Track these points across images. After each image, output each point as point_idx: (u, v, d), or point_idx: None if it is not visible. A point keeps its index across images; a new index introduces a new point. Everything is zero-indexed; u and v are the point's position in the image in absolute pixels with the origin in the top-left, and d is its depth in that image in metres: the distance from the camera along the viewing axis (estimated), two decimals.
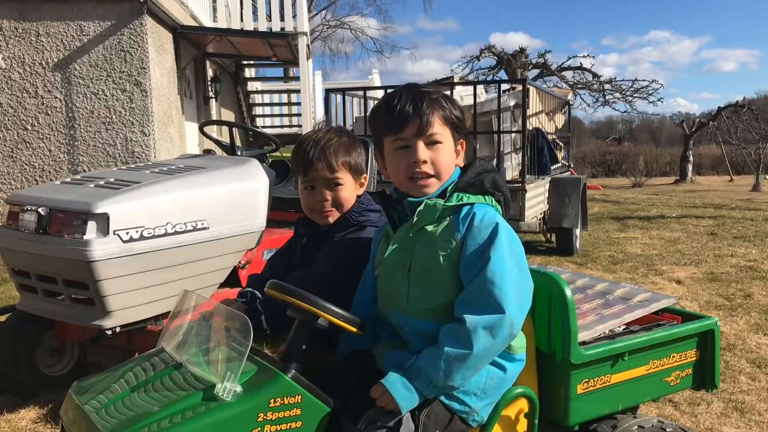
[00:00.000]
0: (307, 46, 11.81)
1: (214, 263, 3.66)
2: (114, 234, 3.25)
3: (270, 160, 4.83)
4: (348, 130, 2.37)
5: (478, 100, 7.67)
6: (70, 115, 8.24)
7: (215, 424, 1.58)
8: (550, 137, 9.40)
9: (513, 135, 8.02)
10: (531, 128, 8.19)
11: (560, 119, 10.83)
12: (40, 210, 3.35)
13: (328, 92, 8.66)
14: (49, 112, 8.23)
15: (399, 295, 1.88)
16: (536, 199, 8.02)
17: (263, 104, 15.15)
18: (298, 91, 12.92)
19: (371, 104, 10.27)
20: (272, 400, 1.64)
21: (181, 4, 9.42)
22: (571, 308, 2.04)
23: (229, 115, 13.04)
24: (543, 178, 8.57)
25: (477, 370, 1.78)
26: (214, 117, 11.68)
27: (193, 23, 9.95)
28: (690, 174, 26.00)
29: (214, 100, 11.49)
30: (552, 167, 9.14)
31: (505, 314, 1.73)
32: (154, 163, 4.32)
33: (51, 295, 3.51)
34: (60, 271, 3.34)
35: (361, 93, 8.51)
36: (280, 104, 15.31)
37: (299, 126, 13.80)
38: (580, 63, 24.80)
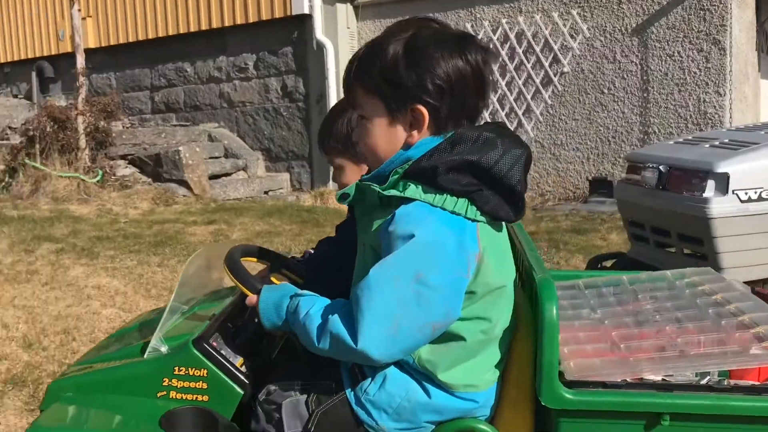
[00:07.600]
0: None
1: None
2: (733, 193, 3.33)
3: None
4: None
5: None
6: (644, 78, 8.55)
7: (124, 378, 1.67)
8: None
9: None
10: None
11: None
12: (660, 167, 3.64)
13: None
14: (625, 76, 8.68)
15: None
16: None
17: None
18: None
19: None
20: (176, 368, 1.62)
21: None
22: (548, 328, 1.39)
23: None
24: None
25: (337, 355, 1.48)
26: None
27: None
28: None
29: None
30: None
31: (356, 348, 1.38)
32: (764, 123, 4.23)
33: (662, 246, 3.80)
34: (676, 225, 3.59)
35: None
36: None
37: None
38: None
